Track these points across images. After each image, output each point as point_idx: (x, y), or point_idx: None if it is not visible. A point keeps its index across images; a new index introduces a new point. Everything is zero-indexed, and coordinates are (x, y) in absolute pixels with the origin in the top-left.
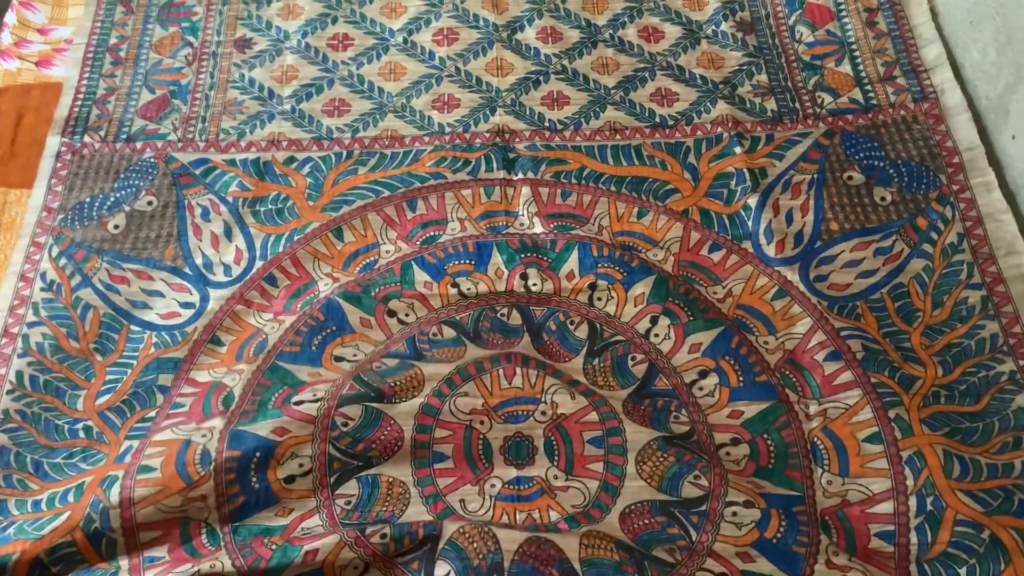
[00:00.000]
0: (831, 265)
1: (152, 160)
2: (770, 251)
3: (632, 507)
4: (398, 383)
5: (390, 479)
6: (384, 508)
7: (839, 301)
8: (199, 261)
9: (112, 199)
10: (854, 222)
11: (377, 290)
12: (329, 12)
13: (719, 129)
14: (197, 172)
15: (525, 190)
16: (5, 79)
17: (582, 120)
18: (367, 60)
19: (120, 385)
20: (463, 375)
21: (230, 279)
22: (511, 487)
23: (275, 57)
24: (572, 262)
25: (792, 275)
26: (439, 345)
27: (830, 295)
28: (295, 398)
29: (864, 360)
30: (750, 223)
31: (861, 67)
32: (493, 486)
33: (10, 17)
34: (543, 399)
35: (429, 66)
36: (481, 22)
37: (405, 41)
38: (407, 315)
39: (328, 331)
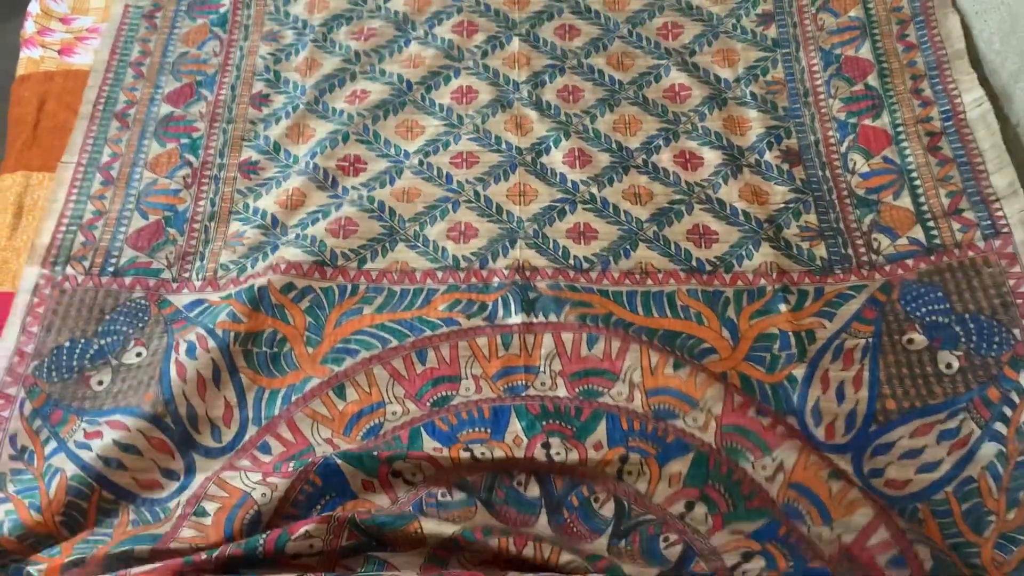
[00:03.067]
0: (887, 456)
1: (143, 302)
2: (819, 434)
3: None
4: (397, 536)
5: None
6: None
7: (898, 503)
8: (183, 411)
9: (96, 347)
10: (914, 398)
11: (380, 451)
12: (340, 128)
13: (762, 280)
14: (192, 315)
15: (547, 340)
16: (28, 67)
17: (610, 259)
18: (379, 184)
19: (91, 556)
20: (468, 537)
21: (219, 445)
22: None
23: (281, 182)
24: (600, 433)
25: (845, 466)
26: (448, 508)
27: (888, 494)
28: (291, 545)
29: (933, 572)
30: (795, 398)
31: (923, 199)
32: None
33: (34, 6)
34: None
35: (446, 190)
36: (503, 144)
37: (421, 163)
38: (414, 475)
39: (327, 499)
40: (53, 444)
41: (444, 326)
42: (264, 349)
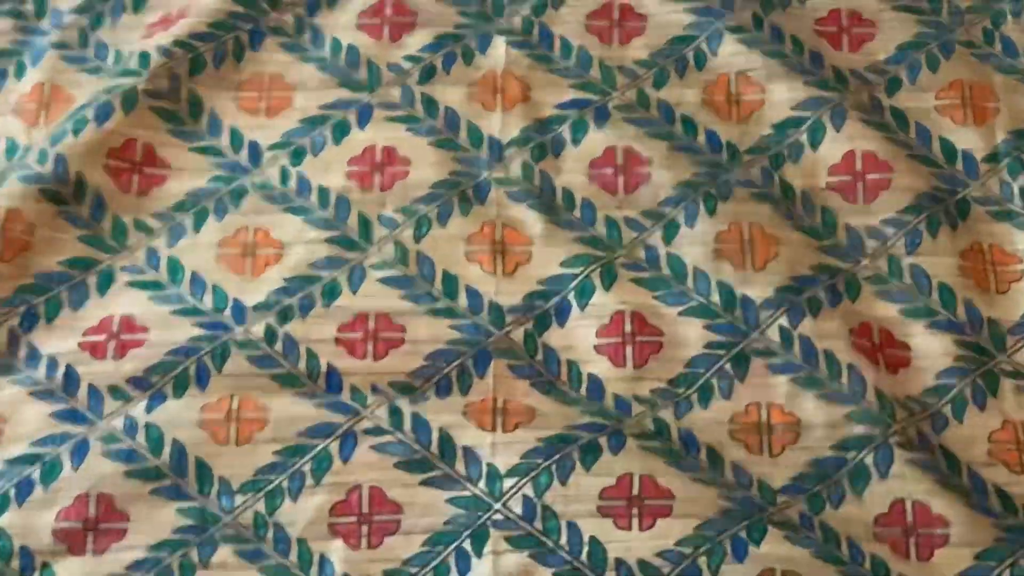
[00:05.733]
0: None
1: None
2: None
3: None
4: None
5: None
6: None
7: None
8: None
9: None
10: None
11: None
12: (97, 261)
13: None
14: None
15: None
16: None
17: (700, 566)
18: (173, 387)
19: None
20: None
21: None
22: None
23: None
24: None
25: None
26: None
27: None
28: None
29: None
30: None
31: None
32: None
33: None
34: None
35: (327, 404)
36: (463, 295)
37: (270, 338)
38: None
39: None
40: None
41: None
42: None
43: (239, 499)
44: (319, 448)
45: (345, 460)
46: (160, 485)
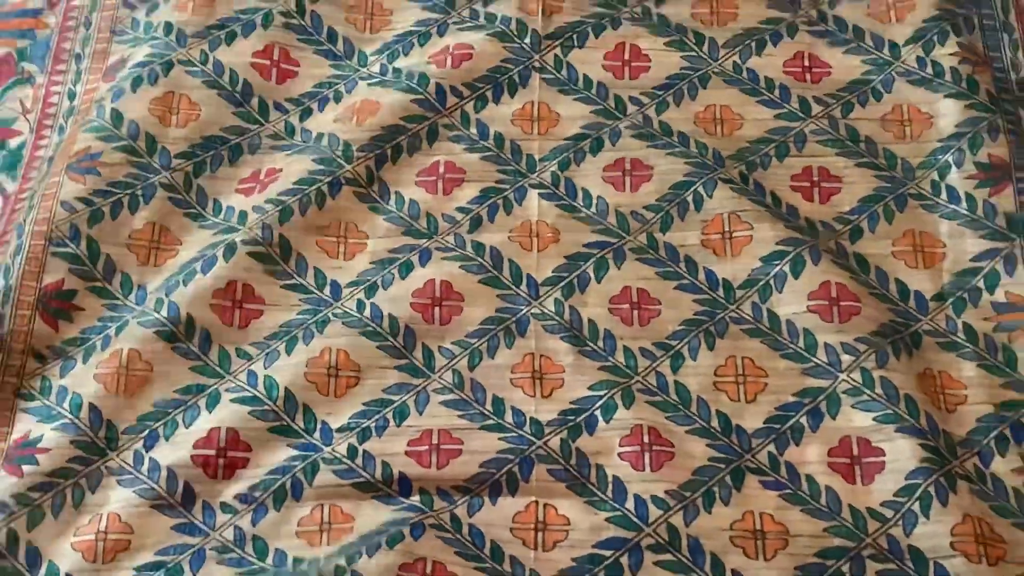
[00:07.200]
0: None
1: None
2: None
3: None
4: None
5: None
6: None
7: None
8: None
9: None
10: None
11: None
12: (224, 238)
13: None
14: None
15: None
16: None
17: None
18: (286, 345)
19: None
20: None
21: None
22: None
23: (112, 340)
24: None
25: None
26: None
27: None
28: None
29: None
30: None
31: None
32: None
33: None
34: None
35: (398, 365)
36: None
37: (360, 310)
38: None
39: None
40: None
41: None
42: None
43: (335, 436)
44: (398, 404)
45: (420, 413)
46: (276, 423)
